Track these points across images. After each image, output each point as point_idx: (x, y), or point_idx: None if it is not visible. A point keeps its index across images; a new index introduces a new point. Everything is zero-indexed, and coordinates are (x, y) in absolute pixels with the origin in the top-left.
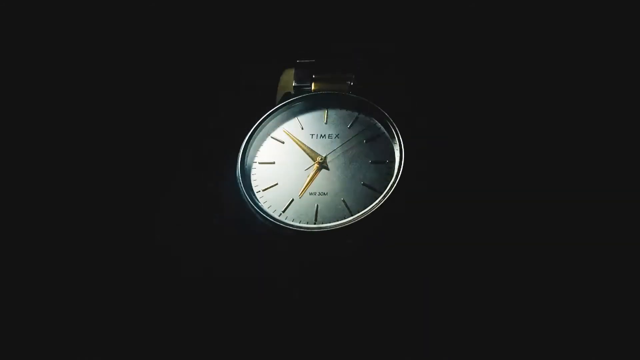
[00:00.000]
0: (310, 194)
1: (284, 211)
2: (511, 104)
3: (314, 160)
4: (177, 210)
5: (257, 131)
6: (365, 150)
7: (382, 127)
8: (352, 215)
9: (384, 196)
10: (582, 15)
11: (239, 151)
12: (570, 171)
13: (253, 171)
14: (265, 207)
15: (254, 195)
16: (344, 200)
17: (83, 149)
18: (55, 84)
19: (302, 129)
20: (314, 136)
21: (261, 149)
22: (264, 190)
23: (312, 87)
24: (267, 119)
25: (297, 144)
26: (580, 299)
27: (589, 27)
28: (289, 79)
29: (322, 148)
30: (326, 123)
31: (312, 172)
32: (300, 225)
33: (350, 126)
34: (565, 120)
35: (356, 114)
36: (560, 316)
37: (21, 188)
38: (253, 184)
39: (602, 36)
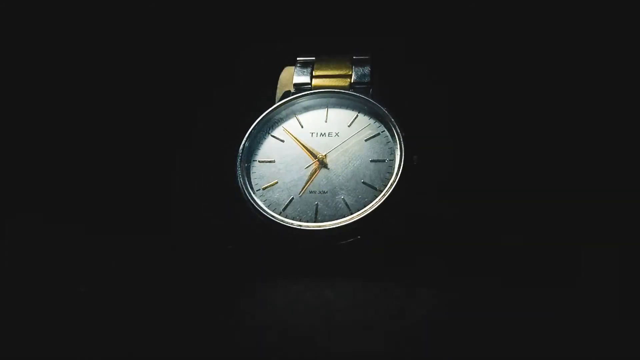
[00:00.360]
0: (310, 192)
1: (283, 210)
2: (511, 103)
3: (314, 158)
4: (177, 209)
5: (256, 129)
6: (365, 149)
7: (382, 126)
8: (352, 214)
9: (384, 195)
10: (583, 15)
11: (238, 149)
12: (572, 171)
13: (253, 170)
14: (265, 205)
15: (254, 193)
16: (344, 199)
17: (81, 147)
18: (54, 83)
19: (302, 127)
20: (314, 134)
21: (261, 147)
22: (263, 188)
23: (312, 85)
24: (267, 117)
25: (297, 142)
26: (580, 298)
27: (589, 27)
28: (289, 77)
29: (322, 146)
30: (326, 121)
31: (312, 170)
32: (300, 223)
33: (350, 125)
34: (565, 119)
35: (356, 112)
36: (560, 315)
37: (18, 187)
38: (253, 182)
39: (602, 36)
